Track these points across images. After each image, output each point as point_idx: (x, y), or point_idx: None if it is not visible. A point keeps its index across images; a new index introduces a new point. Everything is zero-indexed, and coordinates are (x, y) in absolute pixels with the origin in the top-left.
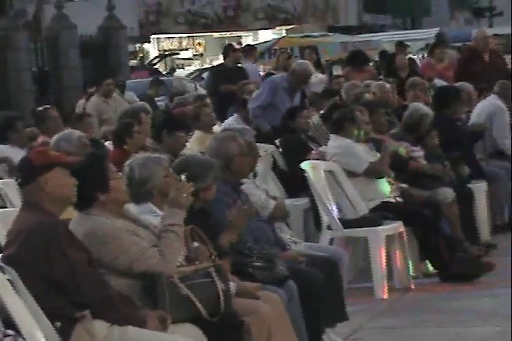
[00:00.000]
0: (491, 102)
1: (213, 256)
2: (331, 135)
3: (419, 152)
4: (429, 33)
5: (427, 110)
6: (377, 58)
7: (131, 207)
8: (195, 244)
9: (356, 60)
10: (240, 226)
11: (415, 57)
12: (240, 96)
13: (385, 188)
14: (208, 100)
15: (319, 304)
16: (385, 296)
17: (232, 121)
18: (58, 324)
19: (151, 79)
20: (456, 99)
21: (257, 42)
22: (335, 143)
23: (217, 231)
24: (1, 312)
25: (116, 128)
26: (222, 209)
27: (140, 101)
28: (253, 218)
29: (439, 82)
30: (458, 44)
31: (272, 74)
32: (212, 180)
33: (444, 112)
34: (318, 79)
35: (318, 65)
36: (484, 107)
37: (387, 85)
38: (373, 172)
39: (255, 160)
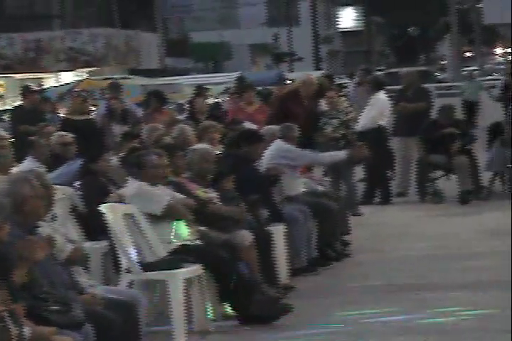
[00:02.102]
0: (277, 146)
1: (7, 300)
2: (129, 178)
3: (212, 194)
4: (230, 77)
5: (208, 150)
6: (179, 101)
7: None
8: None
9: (154, 100)
10: (30, 258)
11: (219, 100)
12: (38, 139)
13: (184, 231)
14: (7, 142)
15: None
16: (184, 339)
17: (27, 163)
18: None
19: None
20: (254, 141)
21: (58, 85)
22: (132, 185)
23: (8, 272)
24: None
25: None
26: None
27: None
28: (49, 262)
29: (249, 125)
30: (258, 88)
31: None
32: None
33: (241, 154)
34: None
35: None
36: (272, 152)
37: (187, 128)
38: (171, 215)
39: (51, 202)
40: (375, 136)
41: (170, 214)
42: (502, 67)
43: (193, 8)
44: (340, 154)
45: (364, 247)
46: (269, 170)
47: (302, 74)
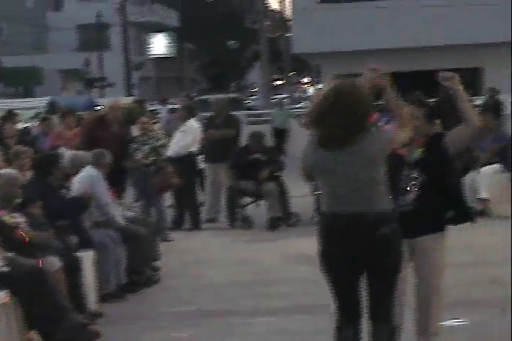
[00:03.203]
0: (87, 173)
1: None
2: None
3: (20, 219)
4: (40, 102)
5: (14, 175)
6: None
7: None
8: None
9: None
10: None
11: (29, 125)
12: None
13: None
14: None
15: None
16: None
17: None
18: None
19: None
20: (56, 166)
21: None
22: None
23: None
24: None
25: None
26: None
27: None
28: None
29: (65, 151)
30: None
31: None
32: None
33: (49, 180)
34: None
35: None
36: (82, 178)
37: None
38: None
39: None
40: (186, 162)
41: None
42: (310, 95)
43: (3, 32)
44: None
45: (173, 273)
46: (78, 196)
47: (110, 100)
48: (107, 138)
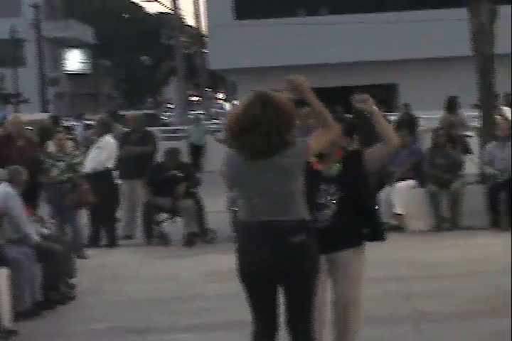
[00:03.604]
0: (2, 190)
1: None
2: None
3: None
4: None
5: None
6: None
7: None
8: None
9: None
10: None
11: None
12: None
13: None
14: None
15: None
16: None
17: None
18: None
19: None
20: None
21: None
22: None
23: None
24: None
25: None
26: None
27: None
28: None
29: None
30: None
31: None
32: None
33: None
34: None
35: None
36: None
37: None
38: None
39: None
40: (102, 178)
41: None
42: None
43: None
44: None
45: (89, 290)
46: None
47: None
48: (13, 154)
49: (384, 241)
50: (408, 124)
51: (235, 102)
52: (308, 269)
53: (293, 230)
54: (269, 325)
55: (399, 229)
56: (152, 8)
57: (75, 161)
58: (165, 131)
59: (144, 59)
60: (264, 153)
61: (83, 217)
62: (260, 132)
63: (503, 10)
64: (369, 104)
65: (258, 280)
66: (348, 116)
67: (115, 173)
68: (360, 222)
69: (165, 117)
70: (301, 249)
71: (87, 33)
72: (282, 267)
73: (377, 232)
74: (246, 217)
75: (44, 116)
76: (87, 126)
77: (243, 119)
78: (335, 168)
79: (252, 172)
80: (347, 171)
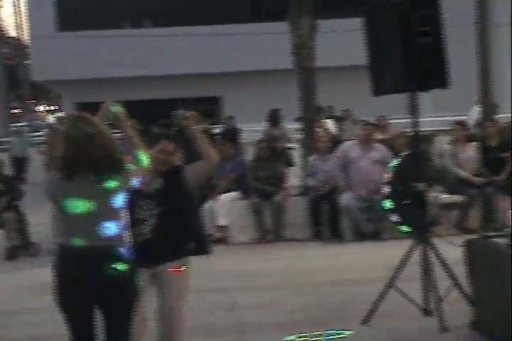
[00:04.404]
0: None
1: None
2: None
3: None
4: None
5: None
6: None
7: None
8: None
9: None
10: None
11: None
12: None
13: None
14: None
15: None
16: None
17: None
18: None
19: None
20: None
21: None
22: None
23: None
24: None
25: None
26: None
27: None
28: None
29: None
30: None
31: None
32: None
33: None
34: None
35: None
36: None
37: None
38: None
39: None
40: None
41: None
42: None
43: None
44: None
45: None
46: None
47: None
48: None
49: (209, 254)
50: (232, 137)
51: (60, 114)
52: (125, 297)
53: (110, 257)
54: None
55: (223, 241)
56: None
57: None
58: None
59: None
60: (82, 173)
61: None
62: (78, 153)
63: (324, 23)
64: (191, 122)
65: (74, 306)
66: (172, 130)
67: None
68: (184, 236)
69: None
70: (118, 278)
71: None
72: (99, 295)
73: (202, 246)
74: (64, 239)
75: None
76: None
77: (70, 150)
78: (155, 184)
79: (71, 190)
80: (168, 187)
